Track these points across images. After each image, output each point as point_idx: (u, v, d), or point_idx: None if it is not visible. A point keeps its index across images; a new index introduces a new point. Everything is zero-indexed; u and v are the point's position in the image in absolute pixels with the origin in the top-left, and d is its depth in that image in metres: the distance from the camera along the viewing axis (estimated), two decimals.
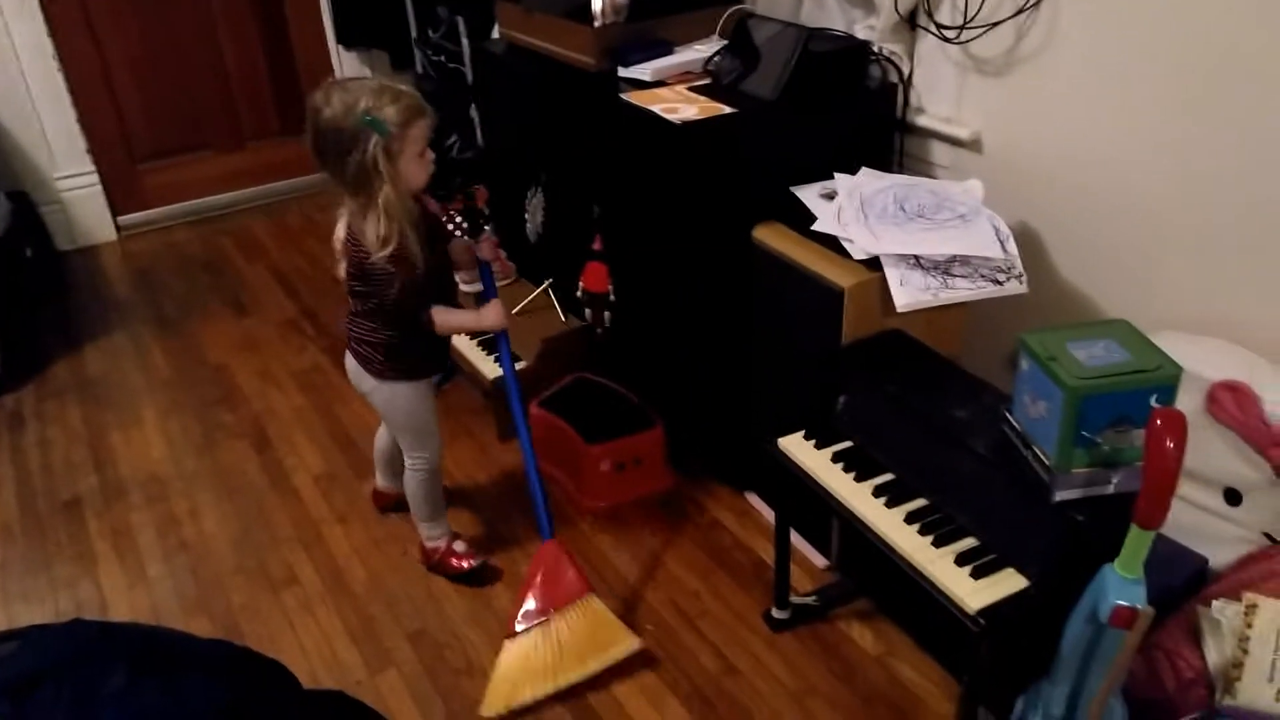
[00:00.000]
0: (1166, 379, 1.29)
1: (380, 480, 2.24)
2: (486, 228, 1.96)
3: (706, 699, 1.78)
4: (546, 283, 2.64)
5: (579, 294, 2.39)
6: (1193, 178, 1.71)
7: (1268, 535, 1.59)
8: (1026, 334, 1.39)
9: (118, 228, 3.70)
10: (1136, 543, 1.23)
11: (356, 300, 1.82)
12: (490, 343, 2.47)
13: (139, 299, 3.29)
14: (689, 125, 1.93)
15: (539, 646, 1.79)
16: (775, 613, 1.92)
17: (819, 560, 2.07)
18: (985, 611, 1.37)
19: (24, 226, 3.26)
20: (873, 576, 1.94)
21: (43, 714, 1.45)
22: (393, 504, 2.24)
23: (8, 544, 2.23)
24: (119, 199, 3.68)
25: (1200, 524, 1.68)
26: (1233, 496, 1.63)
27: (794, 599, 1.94)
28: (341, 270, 1.82)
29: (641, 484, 2.29)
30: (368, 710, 1.69)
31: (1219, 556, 1.65)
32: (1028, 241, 1.97)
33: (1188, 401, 1.63)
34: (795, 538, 2.08)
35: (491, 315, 1.90)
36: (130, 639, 1.58)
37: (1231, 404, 1.55)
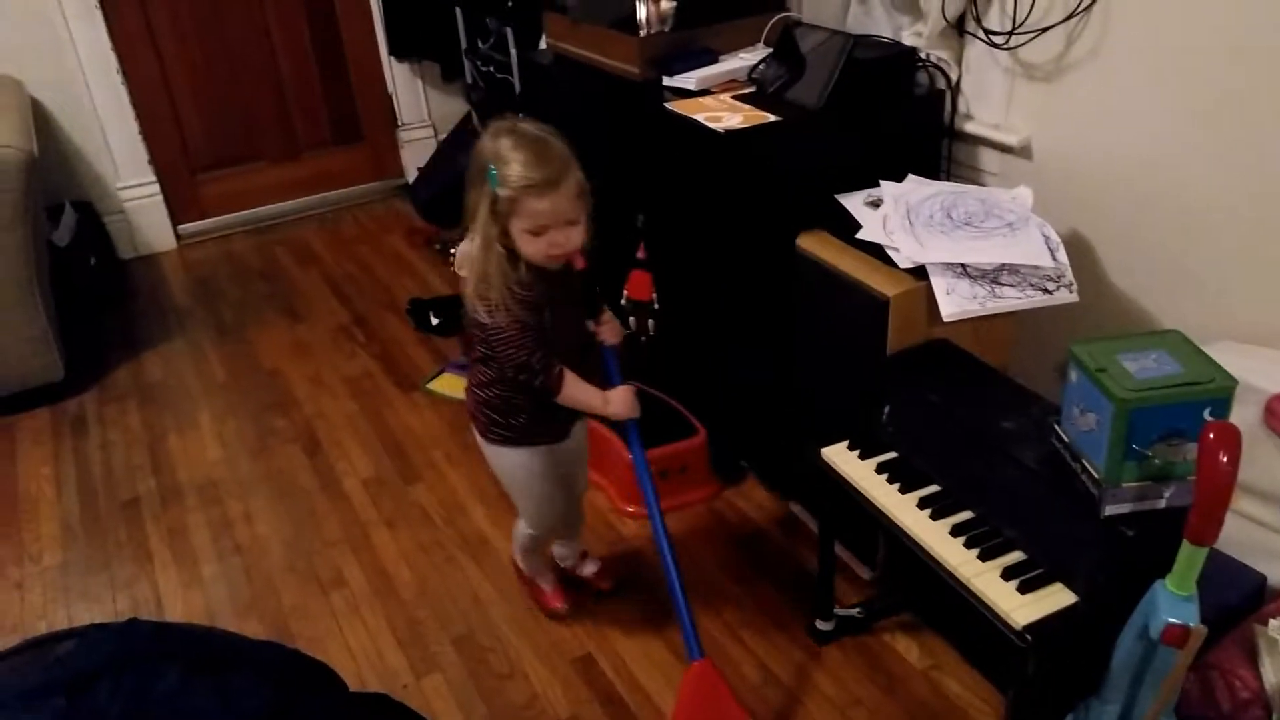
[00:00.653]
0: (1220, 391, 1.26)
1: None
2: (606, 312, 1.78)
3: (748, 709, 1.77)
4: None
5: (623, 302, 2.39)
6: (1248, 184, 1.67)
7: None
8: (1076, 345, 1.37)
9: (177, 236, 3.80)
10: (1189, 559, 1.20)
11: (476, 346, 1.67)
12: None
13: (197, 306, 3.37)
14: (733, 134, 1.93)
15: None
16: (819, 624, 1.91)
17: (864, 572, 2.05)
18: (1032, 627, 1.34)
19: (88, 235, 3.37)
20: (918, 589, 1.92)
21: (97, 711, 1.49)
22: (562, 576, 2.07)
23: (69, 543, 2.31)
24: (178, 208, 3.78)
25: (1258, 540, 1.63)
26: None
27: (838, 611, 1.92)
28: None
29: (685, 491, 2.29)
30: (412, 714, 1.71)
31: (1278, 573, 1.60)
32: (1079, 250, 1.94)
33: (1244, 414, 1.59)
34: (840, 548, 2.07)
35: (619, 402, 1.69)
36: (183, 640, 1.62)
37: None
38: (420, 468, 2.49)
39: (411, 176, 3.97)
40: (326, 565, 2.19)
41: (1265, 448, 1.58)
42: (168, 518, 2.37)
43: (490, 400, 1.70)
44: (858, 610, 1.94)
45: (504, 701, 1.83)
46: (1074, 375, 1.36)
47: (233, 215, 3.91)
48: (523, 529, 1.90)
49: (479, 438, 1.76)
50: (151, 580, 2.18)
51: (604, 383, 1.72)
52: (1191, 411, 1.25)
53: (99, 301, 3.29)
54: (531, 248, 1.55)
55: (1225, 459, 1.14)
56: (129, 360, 3.04)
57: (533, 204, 1.50)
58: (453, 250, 3.44)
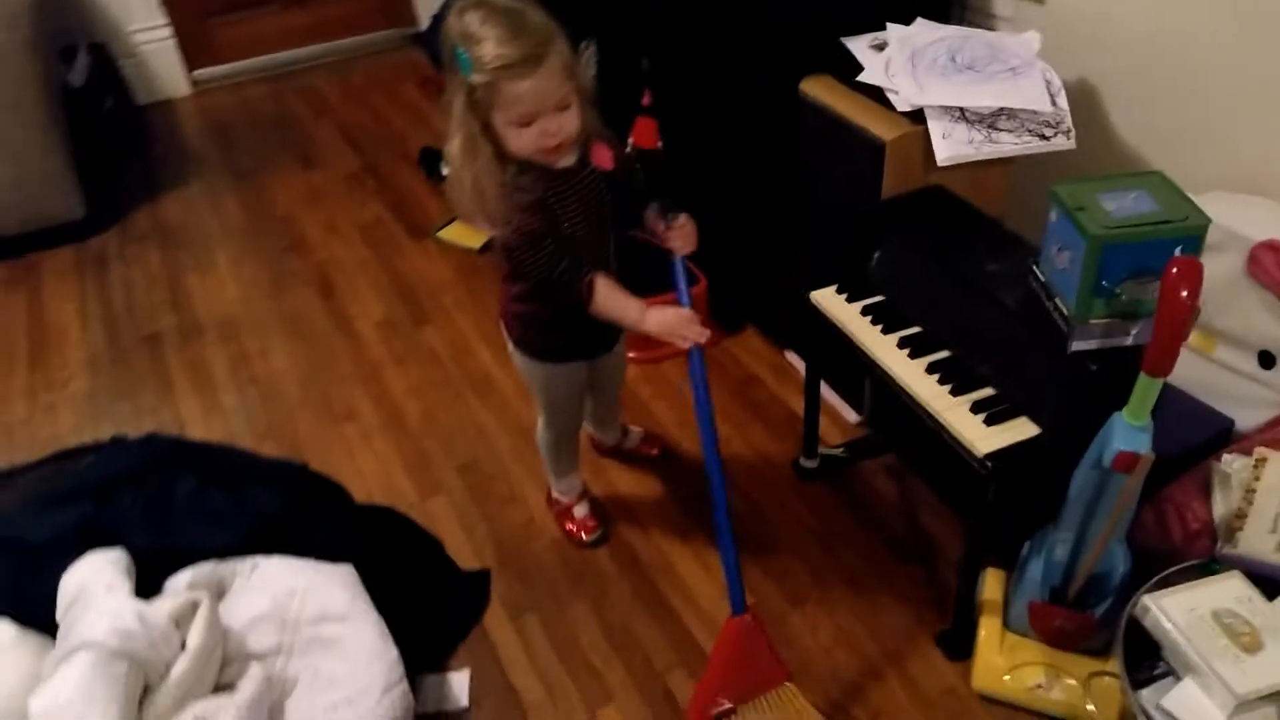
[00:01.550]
0: (1192, 230, 1.28)
1: (587, 427, 2.00)
2: (680, 215, 1.55)
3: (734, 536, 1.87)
4: (627, 148, 2.65)
5: (629, 150, 2.39)
6: (1255, 36, 1.64)
7: None
8: (1057, 185, 1.38)
9: (192, 82, 3.79)
10: (1145, 390, 1.25)
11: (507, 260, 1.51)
12: None
13: (213, 152, 3.40)
14: None
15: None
16: (804, 461, 1.99)
17: (851, 416, 2.12)
18: (994, 455, 1.41)
19: (103, 78, 3.36)
20: (900, 431, 1.98)
21: (122, 514, 1.62)
22: (609, 451, 2.06)
23: (96, 372, 2.42)
24: (192, 53, 3.75)
25: (1232, 386, 1.68)
26: (1267, 360, 1.62)
27: (823, 450, 2.00)
28: None
29: None
30: (414, 525, 1.83)
31: (1248, 419, 1.65)
32: (1084, 98, 1.92)
33: (1230, 261, 1.62)
34: (829, 393, 2.14)
35: (658, 320, 1.47)
36: (200, 453, 1.74)
37: (1272, 264, 1.53)
38: (430, 311, 2.56)
39: (425, 25, 3.90)
40: (340, 399, 2.29)
41: (1247, 296, 1.60)
42: (188, 351, 2.47)
43: (523, 314, 1.58)
44: (841, 450, 2.02)
45: (503, 521, 1.95)
46: (1054, 215, 1.38)
47: (246, 62, 3.88)
48: (543, 435, 1.82)
49: (512, 346, 1.65)
50: (174, 408, 2.29)
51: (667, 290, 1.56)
52: (1163, 249, 1.27)
53: (117, 145, 3.31)
54: (520, 142, 1.35)
55: (1185, 293, 1.17)
56: (148, 203, 3.10)
57: (513, 88, 1.29)
58: None
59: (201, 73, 3.81)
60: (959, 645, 1.63)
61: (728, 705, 1.53)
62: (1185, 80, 1.77)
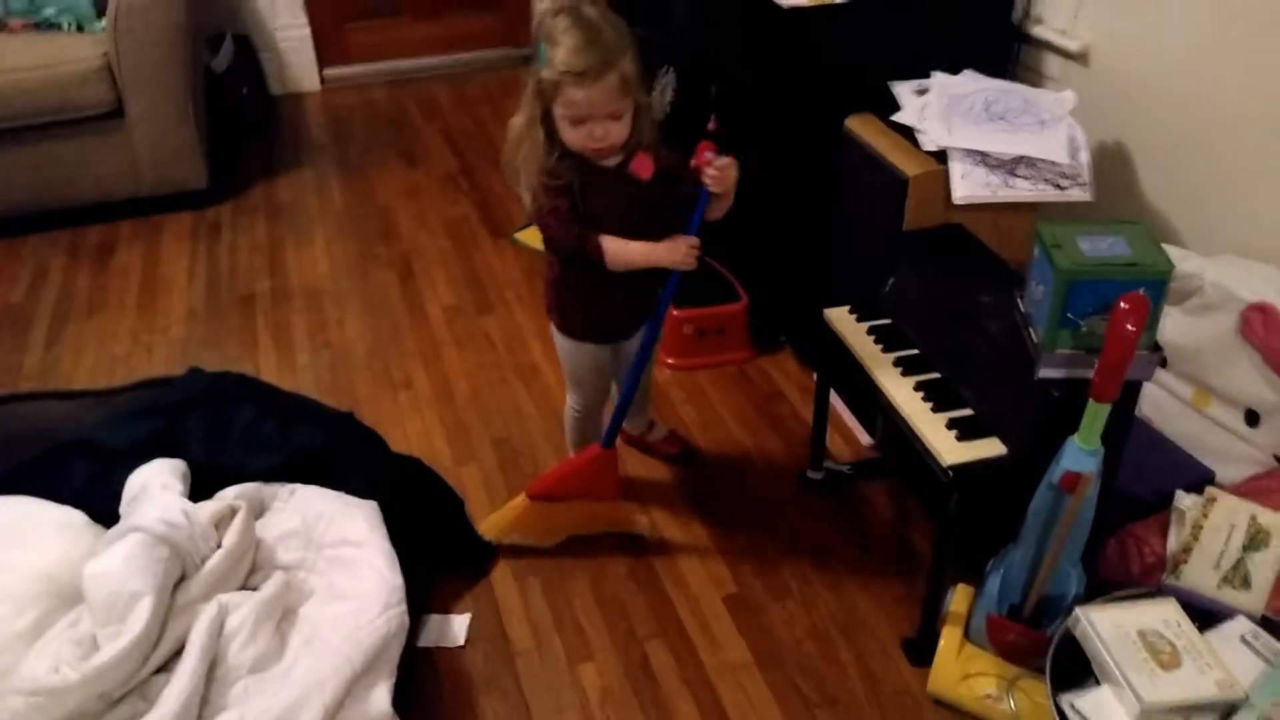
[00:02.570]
0: (1156, 274, 1.37)
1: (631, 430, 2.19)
2: (726, 156, 1.70)
3: (729, 531, 2.00)
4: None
5: (692, 166, 2.56)
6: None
7: (1277, 457, 1.64)
8: (1043, 225, 1.49)
9: (322, 80, 4.14)
10: (1093, 415, 1.34)
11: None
12: None
13: (329, 143, 3.71)
14: (797, 11, 2.05)
15: (550, 513, 1.88)
16: (809, 473, 2.11)
17: (864, 438, 2.22)
18: (958, 467, 1.51)
19: (244, 67, 3.73)
20: (904, 455, 2.07)
21: (187, 431, 1.85)
22: (633, 441, 2.19)
23: (192, 323, 2.70)
24: (325, 52, 4.11)
25: (1219, 443, 1.73)
26: (1252, 418, 1.67)
27: (829, 464, 2.11)
28: None
29: (720, 352, 2.49)
30: (441, 480, 2.02)
31: (1232, 474, 1.70)
32: (1119, 158, 2.01)
33: (1226, 322, 1.68)
34: (845, 413, 2.25)
35: (668, 249, 1.62)
36: (261, 390, 1.97)
37: (1259, 325, 1.59)
38: (494, 302, 2.77)
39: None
40: (399, 370, 2.51)
41: (1238, 355, 1.67)
42: (275, 313, 2.73)
43: (554, 281, 1.76)
44: (848, 467, 2.13)
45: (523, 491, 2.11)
46: (1036, 251, 1.49)
47: (373, 65, 4.22)
48: (569, 409, 1.99)
49: (550, 320, 1.84)
50: (254, 360, 2.54)
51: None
52: (1127, 290, 1.37)
53: (245, 128, 3.67)
54: (571, 135, 1.54)
55: (1131, 327, 1.27)
56: (263, 181, 3.41)
57: (572, 93, 1.47)
58: None
59: (331, 71, 4.16)
60: (921, 651, 1.71)
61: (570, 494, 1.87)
62: (1211, 147, 1.85)
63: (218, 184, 3.26)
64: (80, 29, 3.07)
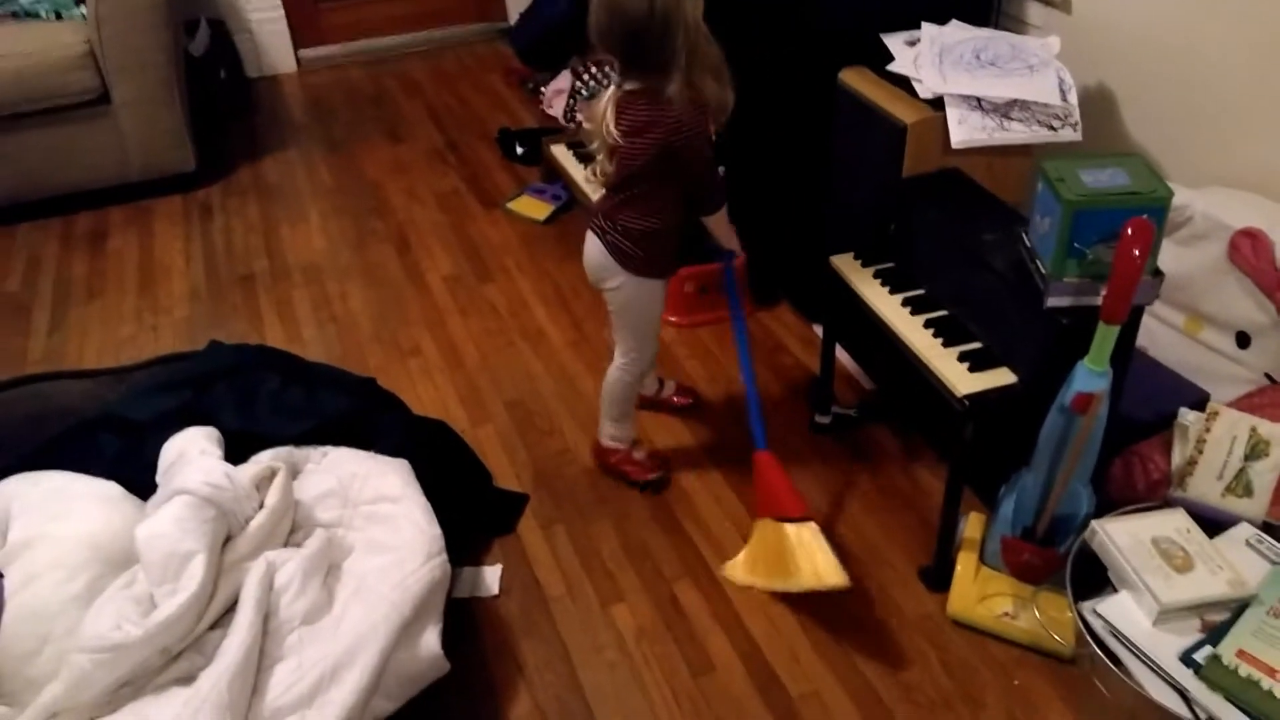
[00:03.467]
0: (1156, 201, 1.44)
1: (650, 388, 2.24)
2: None
3: (746, 477, 2.06)
4: None
5: None
6: (1254, 49, 1.79)
7: (1269, 376, 1.73)
8: (1045, 160, 1.56)
9: (298, 61, 4.13)
10: (1103, 337, 1.42)
11: (635, 187, 1.74)
12: None
13: (312, 123, 3.72)
14: None
15: (779, 543, 1.75)
16: (818, 418, 2.18)
17: (866, 382, 2.30)
18: (972, 397, 1.59)
19: (220, 51, 3.71)
20: (909, 396, 2.15)
21: (216, 400, 1.88)
22: (645, 403, 2.21)
23: (195, 303, 2.71)
24: (300, 33, 4.09)
25: (1212, 365, 1.82)
26: (1243, 339, 1.76)
27: (836, 409, 2.18)
28: (600, 164, 1.77)
29: (722, 308, 2.52)
30: (463, 442, 2.06)
31: (1226, 395, 1.79)
32: (1102, 99, 2.08)
33: (1216, 249, 1.77)
34: (847, 359, 2.32)
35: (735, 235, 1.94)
36: (283, 359, 2.00)
37: (1248, 249, 1.67)
38: (493, 271, 2.81)
39: (513, 20, 4.19)
40: (407, 338, 2.55)
41: (1227, 280, 1.75)
42: (277, 291, 2.75)
43: (659, 233, 1.79)
44: (854, 410, 2.20)
45: (541, 449, 2.17)
46: (1039, 186, 1.55)
47: (348, 45, 4.21)
48: (629, 370, 1.95)
49: (624, 278, 1.83)
50: (261, 336, 2.57)
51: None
52: (1128, 217, 1.44)
53: (227, 111, 3.66)
54: (714, 51, 1.69)
55: (1137, 251, 1.34)
56: (250, 163, 3.42)
57: None
58: (543, 89, 3.69)
59: (307, 52, 4.15)
60: (939, 578, 1.79)
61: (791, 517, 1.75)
62: (1192, 86, 1.93)
63: (205, 167, 3.27)
64: (59, 16, 3.05)
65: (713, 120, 1.72)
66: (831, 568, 1.67)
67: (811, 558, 1.70)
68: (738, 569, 1.83)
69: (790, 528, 1.74)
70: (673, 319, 2.55)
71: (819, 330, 2.47)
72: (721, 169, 1.85)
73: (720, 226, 1.90)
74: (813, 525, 1.73)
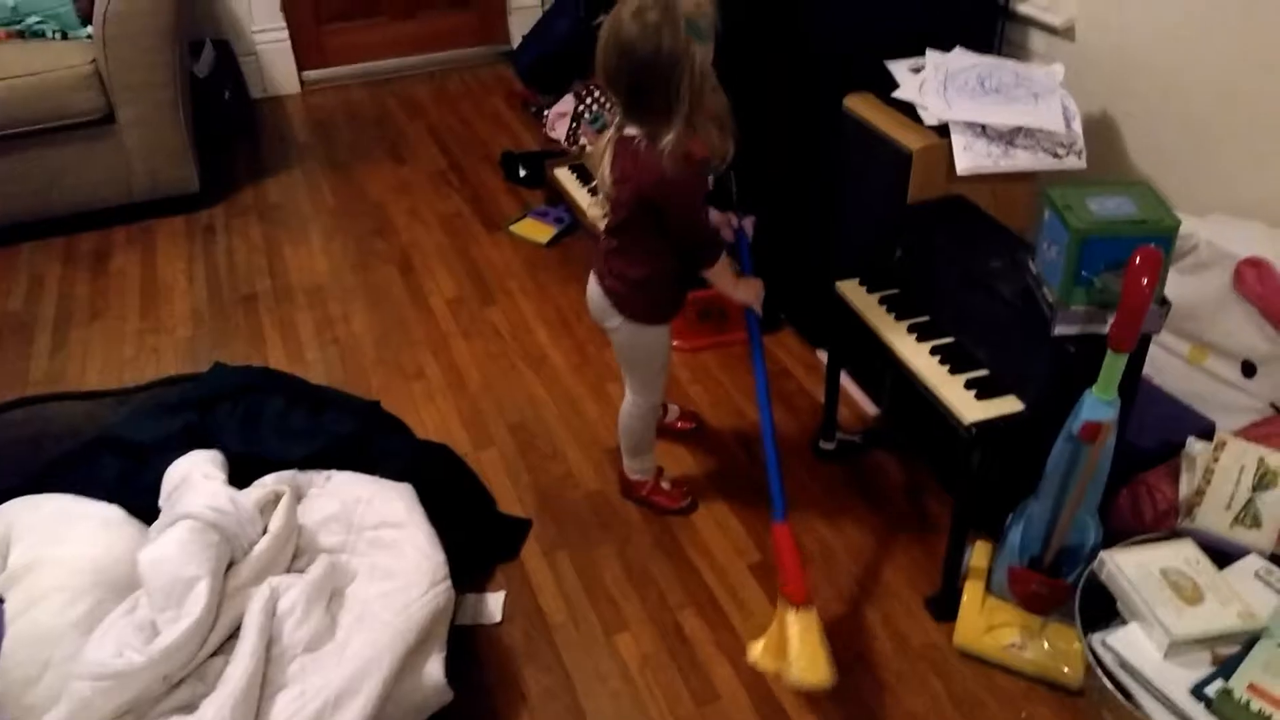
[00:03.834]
0: (1163, 230, 1.44)
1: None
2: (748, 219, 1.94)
3: (748, 503, 2.06)
4: None
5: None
6: (1256, 78, 1.80)
7: (1274, 406, 1.72)
8: (1051, 187, 1.56)
9: (301, 82, 4.14)
10: (1111, 366, 1.42)
11: (626, 233, 1.72)
12: None
13: (315, 144, 3.72)
14: None
15: (787, 630, 1.61)
16: (822, 444, 2.17)
17: (871, 408, 2.29)
18: (979, 425, 1.58)
19: (225, 72, 3.72)
20: (913, 422, 2.15)
21: (219, 423, 1.87)
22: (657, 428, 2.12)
23: (198, 323, 2.71)
24: (304, 55, 4.11)
25: (1217, 394, 1.82)
26: (1249, 369, 1.76)
27: (841, 435, 2.18)
28: (600, 206, 1.75)
29: (723, 332, 2.54)
30: (466, 466, 2.06)
31: (1231, 424, 1.78)
32: (1105, 127, 2.09)
33: (1221, 278, 1.77)
34: (852, 386, 2.32)
35: (747, 289, 1.84)
36: (288, 381, 1.99)
37: (1254, 279, 1.68)
38: (496, 294, 2.81)
39: (516, 43, 4.21)
40: (410, 361, 2.54)
41: (1233, 309, 1.75)
42: (279, 312, 2.75)
43: (652, 281, 1.76)
44: (859, 436, 2.19)
45: (544, 473, 2.16)
46: (1046, 214, 1.56)
47: (352, 67, 4.23)
48: (639, 410, 1.94)
49: (622, 322, 1.81)
50: (263, 358, 2.56)
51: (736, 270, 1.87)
52: (1135, 246, 1.44)
53: (231, 131, 3.67)
54: (717, 100, 1.62)
55: (1145, 280, 1.34)
56: (253, 183, 3.42)
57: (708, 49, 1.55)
58: (545, 112, 3.71)
59: (311, 74, 4.16)
60: (945, 607, 1.78)
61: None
62: (1195, 114, 1.94)
63: (208, 187, 3.27)
64: (65, 36, 3.06)
65: (708, 167, 1.69)
66: (817, 664, 1.56)
67: (802, 649, 1.58)
68: (767, 656, 1.63)
69: (790, 613, 1.60)
70: (676, 343, 2.54)
71: (823, 356, 2.47)
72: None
73: (720, 281, 1.81)
74: (813, 613, 1.60)
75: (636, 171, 1.63)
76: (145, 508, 1.71)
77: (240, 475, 1.75)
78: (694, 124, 1.61)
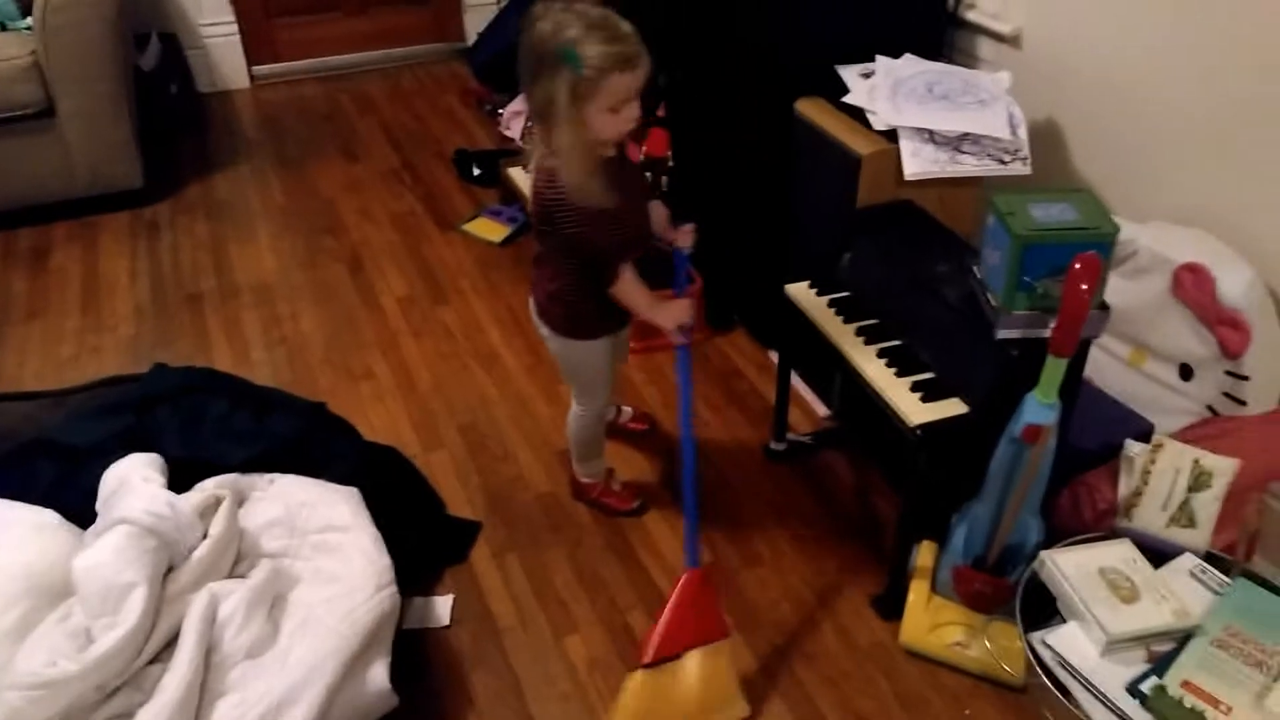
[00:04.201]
0: (1102, 236, 1.47)
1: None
2: (688, 229, 1.81)
3: (701, 505, 2.04)
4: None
5: (641, 157, 2.62)
6: (1197, 87, 1.84)
7: (1210, 408, 1.77)
8: (996, 195, 1.58)
9: (251, 77, 4.07)
10: (1051, 370, 1.44)
11: (542, 244, 1.71)
12: None
13: (265, 140, 3.66)
14: None
15: (667, 686, 1.60)
16: (773, 445, 2.18)
17: (821, 409, 2.31)
18: (925, 426, 1.60)
19: (171, 65, 3.65)
20: (862, 424, 2.17)
21: (159, 426, 1.83)
22: (609, 429, 2.13)
23: (141, 322, 2.65)
24: (254, 50, 4.04)
25: (1156, 396, 1.86)
26: (1186, 372, 1.80)
27: (791, 436, 2.19)
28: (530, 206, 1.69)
29: None
30: (413, 467, 2.04)
31: (1169, 426, 1.83)
32: (1050, 134, 2.12)
33: (1158, 282, 1.80)
34: (803, 388, 2.33)
35: (667, 315, 1.70)
36: (231, 382, 1.96)
37: (1191, 284, 1.71)
38: (448, 293, 2.79)
39: (471, 40, 4.18)
40: (359, 361, 2.51)
41: (1171, 314, 1.79)
42: (225, 310, 2.70)
43: (563, 295, 1.73)
44: (809, 438, 2.21)
45: (495, 475, 2.15)
46: (990, 219, 1.58)
47: (304, 62, 4.16)
48: (582, 418, 1.93)
49: (549, 332, 1.80)
50: (208, 358, 2.51)
51: (669, 286, 1.80)
52: (1076, 252, 1.46)
53: (177, 126, 3.60)
54: (610, 127, 1.55)
55: (1085, 286, 1.36)
56: (200, 180, 3.36)
57: (617, 80, 1.49)
58: (500, 110, 3.68)
59: (261, 69, 4.10)
60: (891, 606, 1.80)
61: (680, 648, 1.60)
62: (1138, 122, 1.98)
63: (153, 183, 3.20)
64: (4, 28, 2.98)
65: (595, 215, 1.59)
66: (732, 697, 1.63)
67: (710, 688, 1.61)
68: None
69: (709, 653, 1.61)
70: (632, 345, 2.53)
71: (775, 357, 2.48)
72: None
73: (631, 302, 1.71)
74: (724, 644, 1.63)
75: (538, 173, 1.61)
76: (82, 512, 1.66)
77: (181, 479, 1.71)
78: (551, 150, 1.56)
